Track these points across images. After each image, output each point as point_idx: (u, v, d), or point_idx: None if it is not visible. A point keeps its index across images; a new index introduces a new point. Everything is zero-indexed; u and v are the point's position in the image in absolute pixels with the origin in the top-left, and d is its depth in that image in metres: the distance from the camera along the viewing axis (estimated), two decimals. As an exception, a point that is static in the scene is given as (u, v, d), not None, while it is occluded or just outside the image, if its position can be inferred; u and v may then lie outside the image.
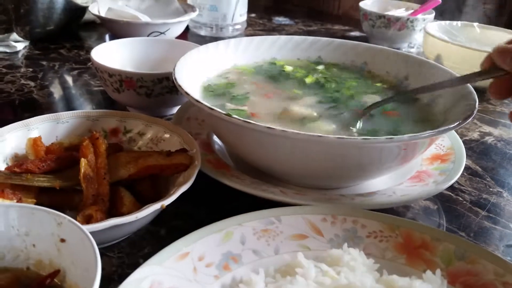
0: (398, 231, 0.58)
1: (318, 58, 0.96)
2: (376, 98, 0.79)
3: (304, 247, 0.57)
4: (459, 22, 1.43)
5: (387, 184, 0.72)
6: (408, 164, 0.72)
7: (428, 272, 0.50)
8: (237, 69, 0.90)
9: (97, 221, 0.56)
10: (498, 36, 1.32)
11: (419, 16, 1.51)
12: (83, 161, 0.61)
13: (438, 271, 0.50)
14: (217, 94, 0.80)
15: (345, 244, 0.54)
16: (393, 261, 0.56)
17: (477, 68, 1.23)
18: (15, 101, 1.00)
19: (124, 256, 0.61)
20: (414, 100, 0.81)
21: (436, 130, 0.61)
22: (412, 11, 1.58)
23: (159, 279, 0.49)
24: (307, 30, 1.72)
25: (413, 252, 0.56)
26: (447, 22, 1.41)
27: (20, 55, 1.27)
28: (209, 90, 0.81)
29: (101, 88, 1.07)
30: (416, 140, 0.61)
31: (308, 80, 0.86)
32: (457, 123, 0.63)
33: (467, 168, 0.86)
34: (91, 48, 0.93)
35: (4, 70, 1.15)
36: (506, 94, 0.64)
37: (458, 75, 0.78)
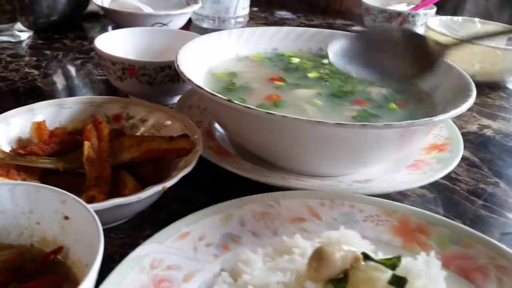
0: (394, 216, 0.59)
1: (319, 49, 0.97)
2: (381, 90, 0.80)
3: (302, 230, 0.58)
4: (460, 17, 1.43)
5: (385, 172, 0.73)
6: (406, 152, 0.73)
7: (422, 254, 0.51)
8: (240, 59, 0.91)
9: (99, 201, 0.57)
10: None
11: (421, 11, 1.52)
12: (86, 144, 0.62)
13: (432, 253, 0.51)
14: (220, 82, 0.81)
15: (342, 226, 0.56)
16: (388, 244, 0.57)
17: (478, 63, 1.24)
18: (19, 89, 1.02)
19: (126, 237, 0.62)
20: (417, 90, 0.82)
21: (432, 118, 0.62)
22: (413, 6, 1.59)
23: (159, 257, 0.51)
24: (309, 24, 1.72)
25: (409, 236, 0.57)
26: (448, 17, 1.42)
27: (24, 44, 1.28)
28: (211, 78, 0.82)
29: (104, 77, 1.08)
30: (414, 127, 0.62)
31: (312, 75, 0.87)
32: (453, 111, 0.64)
33: (465, 159, 0.87)
34: (94, 38, 0.94)
35: (9, 59, 1.16)
36: None
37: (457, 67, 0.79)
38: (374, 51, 0.61)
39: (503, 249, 0.55)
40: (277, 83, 0.82)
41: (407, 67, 0.60)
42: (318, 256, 0.46)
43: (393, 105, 0.76)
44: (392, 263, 0.47)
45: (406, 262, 0.49)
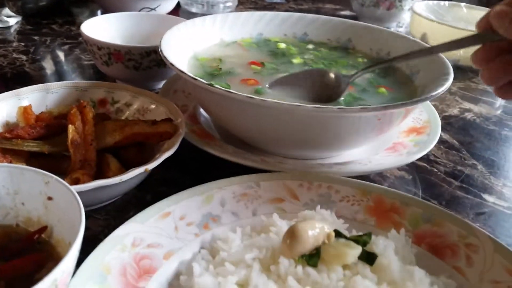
0: (369, 196, 0.61)
1: (304, 34, 0.99)
2: (364, 75, 0.82)
3: (280, 210, 0.60)
4: (446, 2, 1.45)
5: (365, 155, 0.75)
6: (385, 135, 0.75)
7: (393, 231, 0.53)
8: (226, 44, 0.92)
9: (84, 184, 0.59)
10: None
11: (408, -5, 1.52)
12: (70, 128, 0.64)
13: (402, 230, 0.54)
14: (204, 67, 0.82)
15: (318, 206, 0.58)
16: (363, 223, 0.59)
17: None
18: (6, 74, 1.02)
19: (110, 218, 0.64)
20: (396, 72, 0.84)
21: (407, 102, 0.64)
22: (401, -10, 1.59)
23: (141, 236, 0.52)
24: (298, 8, 1.73)
25: (383, 215, 0.60)
26: (435, 1, 1.43)
27: (12, 30, 1.28)
28: (196, 63, 0.83)
29: (92, 62, 1.09)
30: (389, 110, 0.63)
31: (296, 61, 0.88)
32: (429, 95, 0.66)
33: (444, 141, 0.89)
34: (83, 23, 0.95)
35: (-4, 44, 1.17)
36: (489, 62, 0.56)
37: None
38: (301, 85, 0.75)
39: (473, 228, 0.58)
40: (254, 67, 0.83)
41: (323, 96, 0.73)
42: (292, 234, 0.48)
43: (383, 89, 0.78)
44: (363, 240, 0.50)
45: (377, 239, 0.51)
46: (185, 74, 0.67)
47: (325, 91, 0.74)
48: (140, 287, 0.48)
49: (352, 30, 0.97)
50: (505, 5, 0.51)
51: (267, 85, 0.75)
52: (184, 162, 0.74)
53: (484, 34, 0.56)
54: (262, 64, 0.84)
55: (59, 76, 1.06)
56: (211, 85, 0.65)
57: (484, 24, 0.56)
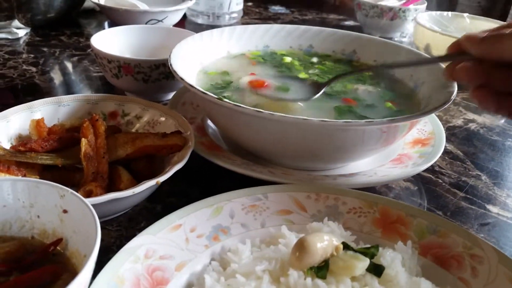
0: (376, 208, 0.62)
1: (309, 46, 1.00)
2: (366, 87, 0.84)
3: (289, 222, 0.61)
4: (449, 13, 1.46)
5: (370, 166, 0.77)
6: (390, 147, 0.76)
7: (400, 243, 0.54)
8: (232, 56, 0.94)
9: (97, 196, 0.60)
10: (487, 26, 1.35)
11: (411, 6, 1.54)
12: (83, 141, 0.65)
13: (409, 242, 0.55)
14: (212, 80, 0.84)
15: (326, 218, 0.59)
16: (369, 234, 0.60)
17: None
18: (17, 86, 1.04)
19: (122, 229, 0.65)
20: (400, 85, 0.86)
21: (413, 115, 0.65)
22: (404, 1, 1.61)
23: (153, 248, 0.54)
24: (303, 19, 1.75)
25: (389, 227, 0.61)
26: (438, 12, 1.45)
27: (21, 41, 1.31)
28: (204, 76, 0.85)
29: (100, 74, 1.11)
30: (394, 123, 0.65)
31: (301, 76, 0.89)
32: (432, 108, 0.67)
33: (448, 152, 0.91)
34: (91, 35, 0.97)
35: (7, 56, 1.19)
36: (470, 78, 0.61)
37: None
38: None
39: (478, 239, 0.59)
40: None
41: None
42: (301, 246, 0.49)
43: (389, 104, 0.79)
44: (370, 252, 0.51)
45: (384, 251, 0.53)
46: (195, 88, 0.69)
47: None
48: (153, 298, 0.49)
49: (356, 42, 0.98)
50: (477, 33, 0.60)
51: None
52: (193, 173, 0.75)
53: (454, 54, 0.64)
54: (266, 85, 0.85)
55: (69, 87, 1.08)
56: (220, 99, 0.66)
57: (454, 48, 0.63)
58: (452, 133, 0.98)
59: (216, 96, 0.67)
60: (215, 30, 0.94)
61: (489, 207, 0.77)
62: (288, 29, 1.00)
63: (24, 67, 1.14)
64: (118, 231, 0.65)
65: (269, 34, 0.99)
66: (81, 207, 0.51)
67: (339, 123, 0.63)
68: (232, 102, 0.66)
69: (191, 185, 0.75)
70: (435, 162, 0.85)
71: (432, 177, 0.82)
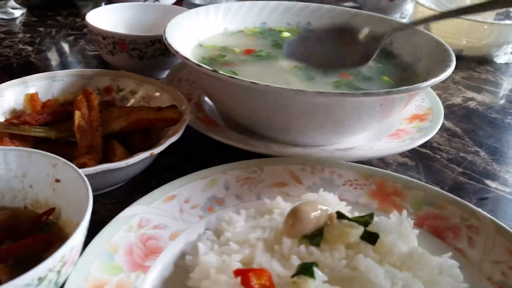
0: (372, 180, 0.62)
1: (307, 23, 0.99)
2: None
3: (284, 193, 0.61)
4: (450, -7, 1.44)
5: (367, 141, 0.76)
6: (388, 122, 0.76)
7: (395, 212, 0.54)
8: (230, 33, 0.93)
9: (90, 168, 0.60)
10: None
11: (412, -14, 1.52)
12: (77, 113, 0.65)
13: (404, 212, 0.54)
14: (208, 55, 0.83)
15: (321, 189, 0.58)
16: (365, 206, 0.60)
17: (465, 37, 1.25)
18: (13, 64, 1.04)
19: (117, 202, 0.65)
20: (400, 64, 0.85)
21: (408, 87, 0.64)
22: (405, -19, 1.59)
23: (147, 217, 0.53)
24: None
25: (385, 198, 0.60)
26: (438, -8, 1.43)
27: (18, 21, 1.29)
28: (200, 51, 0.84)
29: (96, 53, 1.10)
30: (392, 95, 0.64)
31: None
32: (431, 81, 0.66)
33: (447, 129, 0.90)
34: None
35: (2, 36, 1.18)
36: None
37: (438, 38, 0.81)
38: (319, 47, 0.74)
39: (475, 210, 0.58)
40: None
41: (347, 59, 0.72)
42: (294, 214, 0.49)
43: (386, 78, 0.78)
44: (364, 221, 0.50)
45: (378, 220, 0.52)
46: (190, 60, 0.68)
47: (350, 53, 0.73)
48: (146, 266, 0.49)
49: (356, 19, 0.97)
50: None
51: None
52: (188, 149, 0.75)
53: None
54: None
55: (64, 66, 1.07)
56: (215, 71, 0.65)
57: None
58: (451, 111, 0.97)
59: (211, 68, 0.66)
60: (211, 6, 0.92)
61: (488, 182, 0.76)
62: (286, 5, 0.99)
63: (20, 46, 1.13)
64: (113, 204, 0.65)
65: (266, 10, 0.97)
66: (73, 176, 0.50)
67: (336, 94, 0.62)
68: (227, 74, 0.65)
69: (187, 161, 0.74)
70: (433, 139, 0.84)
71: (430, 153, 0.82)
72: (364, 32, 0.74)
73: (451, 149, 0.84)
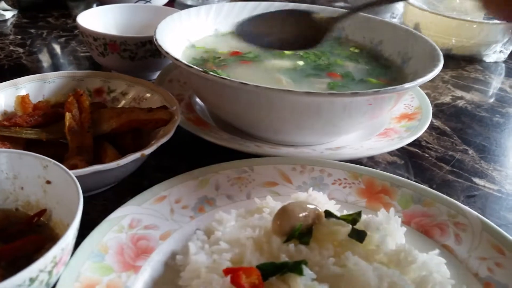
0: (361, 178, 0.63)
1: (298, 24, 1.00)
2: (355, 64, 0.84)
3: (274, 193, 0.61)
4: (439, -8, 1.46)
5: (357, 141, 0.77)
6: (376, 121, 0.77)
7: (383, 210, 0.55)
8: (221, 34, 0.93)
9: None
10: (477, 6, 1.35)
11: (402, -14, 1.53)
12: (68, 115, 0.65)
13: (392, 209, 0.55)
14: (199, 56, 0.83)
15: (310, 188, 0.59)
16: (354, 204, 0.61)
17: (454, 37, 1.26)
18: (4, 66, 1.03)
19: (108, 203, 0.65)
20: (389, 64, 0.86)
21: (396, 87, 0.65)
22: (395, -19, 1.60)
23: (138, 218, 0.54)
24: None
25: (373, 197, 0.61)
26: (428, -8, 1.44)
27: (8, 23, 1.29)
28: (190, 52, 0.84)
29: (88, 54, 1.10)
30: (380, 95, 0.65)
31: (288, 52, 0.89)
32: (419, 80, 0.67)
33: (435, 128, 0.91)
34: (79, 16, 0.96)
35: (-7, 37, 1.18)
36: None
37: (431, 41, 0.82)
38: (273, 28, 0.75)
39: (462, 208, 0.59)
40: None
41: (300, 40, 0.73)
42: (282, 214, 0.50)
43: (375, 81, 0.79)
44: (352, 219, 0.51)
45: (366, 217, 0.53)
46: (180, 62, 0.68)
47: (304, 34, 0.74)
48: (137, 266, 0.49)
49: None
50: None
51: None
52: (179, 150, 0.75)
53: None
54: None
55: (56, 68, 1.07)
56: (205, 72, 0.66)
57: None
58: (440, 110, 0.98)
59: (201, 69, 0.66)
60: (202, 7, 0.93)
61: (476, 180, 0.77)
62: (277, 6, 0.99)
63: (11, 48, 1.13)
64: (104, 206, 0.65)
65: (258, 11, 0.97)
66: (64, 177, 0.51)
67: (325, 94, 0.63)
68: (217, 75, 0.66)
69: (178, 161, 0.75)
70: (422, 137, 0.85)
71: (419, 151, 0.83)
72: (320, 15, 0.75)
73: (440, 147, 0.85)
